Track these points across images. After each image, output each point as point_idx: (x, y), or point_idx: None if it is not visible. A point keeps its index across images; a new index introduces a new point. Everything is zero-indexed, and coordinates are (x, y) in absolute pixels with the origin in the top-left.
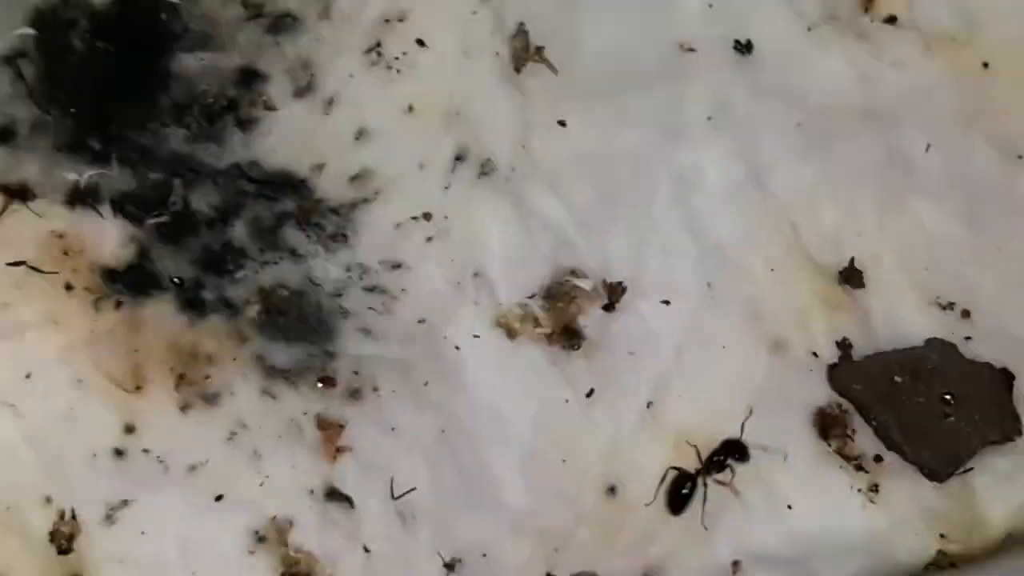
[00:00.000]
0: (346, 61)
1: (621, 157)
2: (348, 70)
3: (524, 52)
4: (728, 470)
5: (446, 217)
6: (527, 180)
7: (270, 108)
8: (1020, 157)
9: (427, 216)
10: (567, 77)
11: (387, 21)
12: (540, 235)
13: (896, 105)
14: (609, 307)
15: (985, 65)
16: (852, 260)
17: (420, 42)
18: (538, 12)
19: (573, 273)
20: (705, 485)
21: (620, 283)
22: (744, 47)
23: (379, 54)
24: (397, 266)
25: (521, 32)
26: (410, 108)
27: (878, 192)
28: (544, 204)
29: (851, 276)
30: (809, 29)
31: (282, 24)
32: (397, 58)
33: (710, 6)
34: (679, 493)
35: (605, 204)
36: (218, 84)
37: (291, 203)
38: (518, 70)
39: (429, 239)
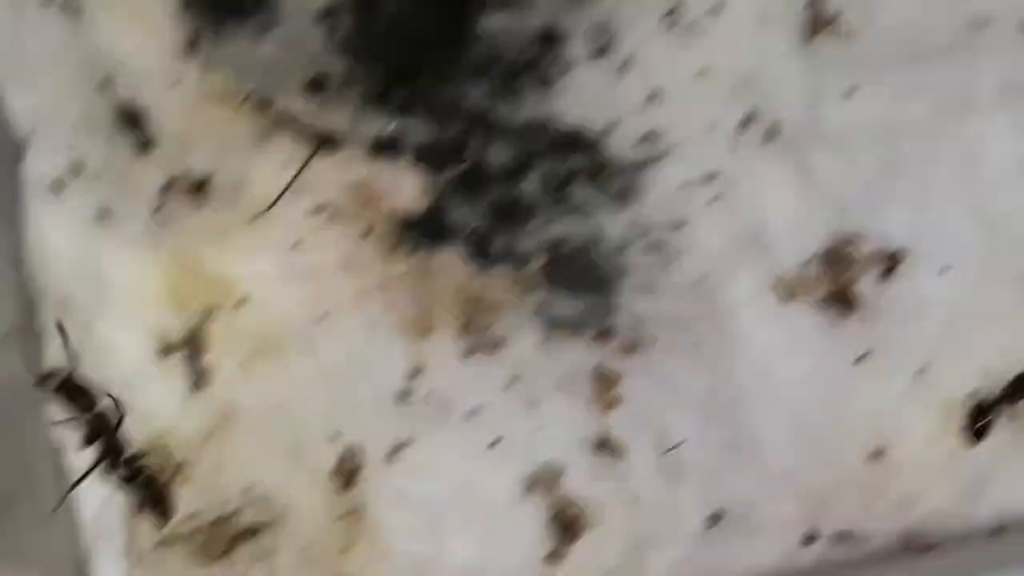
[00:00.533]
0: (643, 24)
1: (907, 128)
2: (645, 33)
3: (818, 20)
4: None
5: (731, 179)
6: (812, 146)
7: (567, 68)
8: None
9: (712, 177)
10: (859, 47)
11: None
12: (822, 200)
13: None
14: (886, 274)
15: None
16: None
17: (717, 8)
18: None
19: (852, 239)
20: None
21: (899, 250)
22: None
23: (676, 19)
24: (680, 225)
25: (816, 1)
26: (702, 72)
27: None
28: (828, 170)
29: None
30: None
31: None
32: (693, 22)
33: None
34: (976, 422)
35: (888, 173)
36: (520, 43)
37: (581, 160)
38: (811, 38)
39: (713, 199)
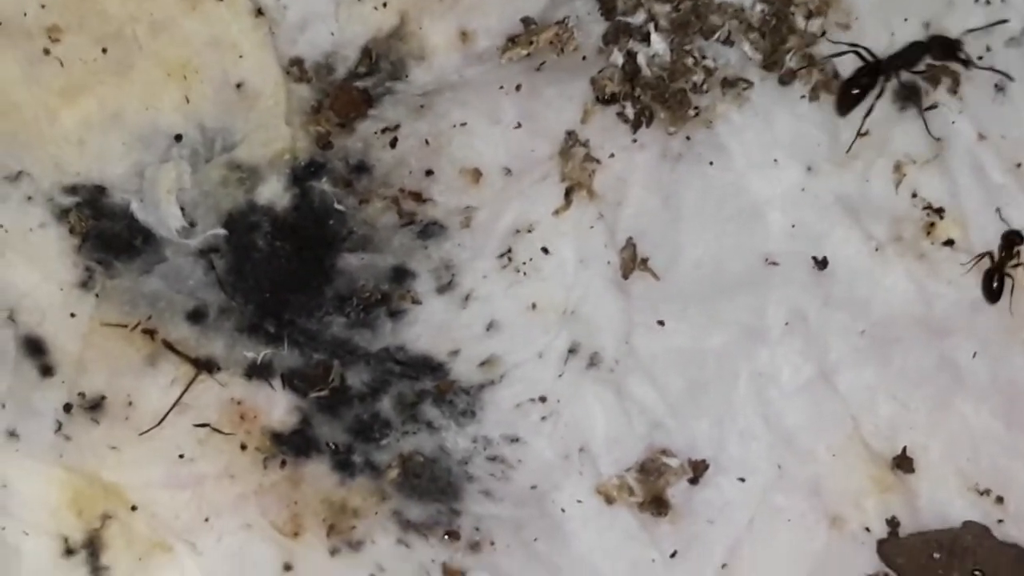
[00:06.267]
0: (481, 264)
1: (709, 354)
2: (483, 271)
3: (631, 262)
4: (1019, 254)
5: (558, 400)
6: (628, 371)
7: (416, 302)
8: None
9: (543, 399)
10: (667, 283)
11: (518, 231)
12: (637, 418)
13: (948, 317)
14: (693, 481)
15: None
16: (904, 449)
17: (544, 250)
18: (646, 227)
19: (663, 452)
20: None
21: (703, 461)
22: (820, 263)
23: (509, 259)
24: (515, 440)
25: (630, 245)
26: (533, 306)
27: (929, 392)
28: (641, 392)
29: (902, 463)
30: (876, 249)
31: (430, 230)
32: (524, 263)
33: (793, 226)
34: (991, 286)
35: (693, 394)
36: (374, 280)
37: (429, 383)
38: (626, 276)
39: (543, 418)
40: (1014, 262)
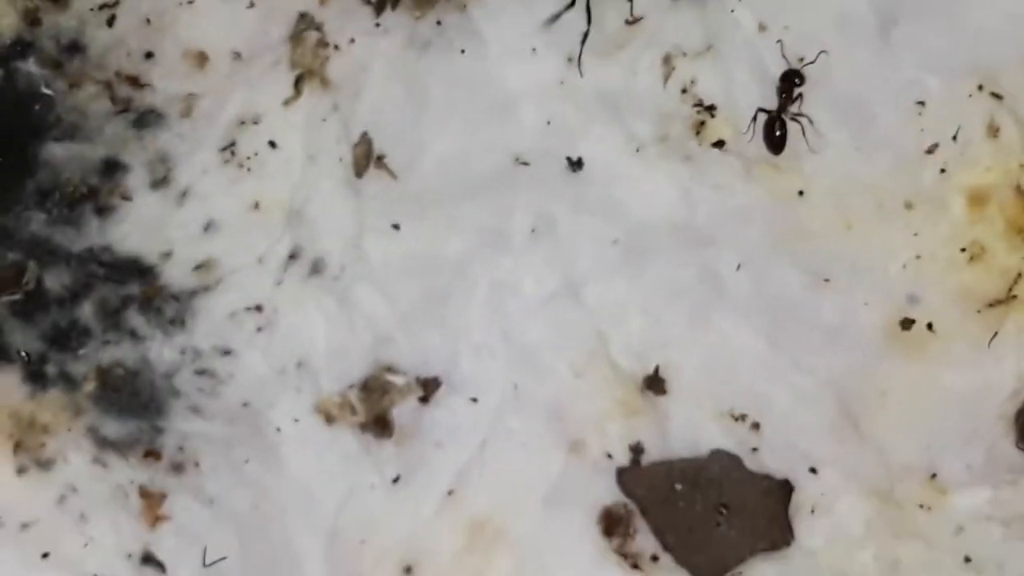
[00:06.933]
0: (201, 157)
1: (446, 261)
2: (202, 166)
3: (365, 159)
4: (800, 97)
5: (276, 310)
6: (355, 280)
7: (127, 198)
8: (826, 280)
9: (259, 308)
10: (406, 183)
11: (243, 123)
12: (363, 332)
13: (712, 225)
14: (424, 400)
15: (800, 193)
16: (656, 368)
17: (272, 144)
18: (385, 121)
19: (390, 368)
20: (791, 119)
21: (435, 378)
22: (575, 163)
23: (232, 153)
24: (227, 352)
25: (365, 140)
26: (256, 205)
27: (687, 307)
28: (369, 303)
29: (653, 383)
30: (638, 150)
31: (146, 119)
32: (249, 157)
33: (548, 123)
34: (774, 134)
35: (427, 305)
36: (81, 173)
37: (137, 288)
38: (359, 175)
39: (259, 329)
40: (795, 107)
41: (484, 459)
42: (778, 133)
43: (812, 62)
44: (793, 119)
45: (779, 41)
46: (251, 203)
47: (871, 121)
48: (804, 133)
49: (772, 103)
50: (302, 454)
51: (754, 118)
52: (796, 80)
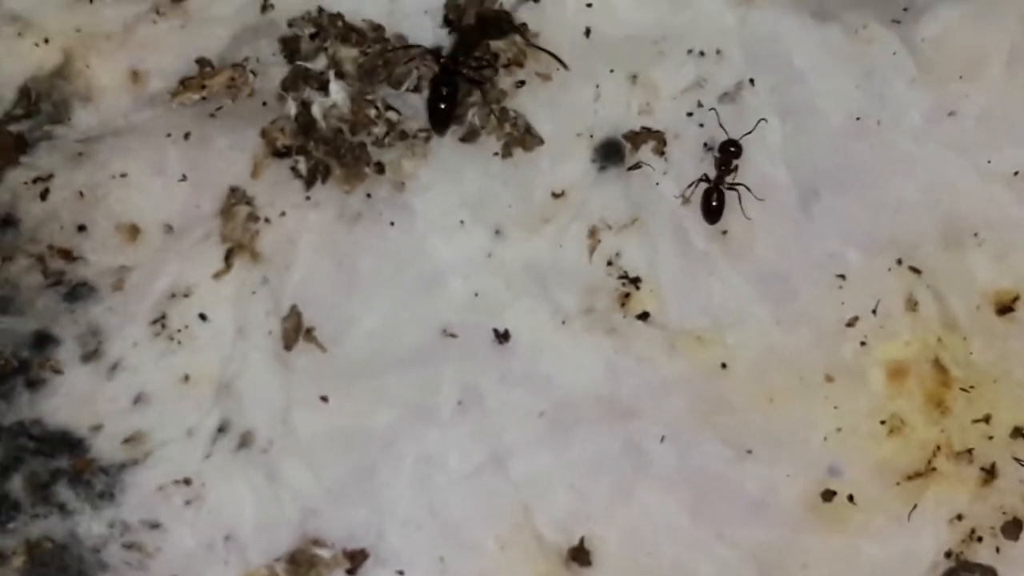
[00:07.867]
0: (132, 330)
1: (374, 435)
2: (133, 339)
3: (295, 332)
4: (736, 168)
5: (203, 484)
6: (283, 453)
7: (58, 371)
8: (749, 452)
9: (187, 481)
10: (335, 356)
11: (173, 295)
12: (290, 505)
13: (636, 398)
14: (350, 572)
15: (723, 365)
16: (581, 540)
17: (202, 316)
18: (315, 294)
19: (317, 542)
20: (727, 188)
21: (362, 551)
22: (502, 336)
23: (163, 325)
24: (156, 526)
25: (294, 313)
26: (186, 378)
27: (611, 479)
28: (296, 476)
29: (578, 555)
30: (563, 322)
31: (78, 292)
32: (179, 330)
33: (476, 295)
34: (711, 204)
35: (354, 479)
36: (12, 346)
37: (66, 461)
38: (288, 348)
39: (187, 502)
40: (731, 178)
41: None
42: (714, 203)
43: (749, 133)
44: (730, 188)
45: (712, 109)
46: (181, 376)
47: (792, 295)
48: (740, 201)
49: (696, 275)
50: None
51: (693, 184)
52: (732, 150)
